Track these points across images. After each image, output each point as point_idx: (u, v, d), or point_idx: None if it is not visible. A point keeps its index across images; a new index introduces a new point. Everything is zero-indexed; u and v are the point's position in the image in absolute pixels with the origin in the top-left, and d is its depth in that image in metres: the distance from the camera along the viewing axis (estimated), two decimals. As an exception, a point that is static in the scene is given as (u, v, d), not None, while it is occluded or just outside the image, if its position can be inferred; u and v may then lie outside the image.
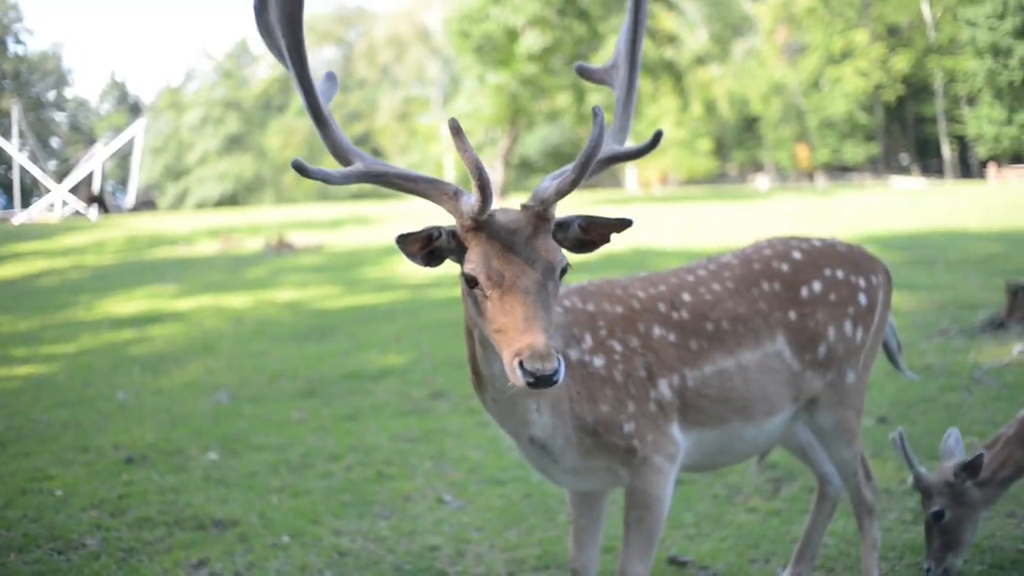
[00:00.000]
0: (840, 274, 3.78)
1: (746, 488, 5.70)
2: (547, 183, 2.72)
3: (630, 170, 73.64)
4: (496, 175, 50.36)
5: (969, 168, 65.68)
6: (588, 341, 3.28)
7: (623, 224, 2.75)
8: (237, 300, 15.57)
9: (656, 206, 38.72)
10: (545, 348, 2.47)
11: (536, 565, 4.68)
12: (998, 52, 55.44)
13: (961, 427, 6.48)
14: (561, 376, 2.48)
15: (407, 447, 6.81)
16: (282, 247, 25.56)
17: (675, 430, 3.39)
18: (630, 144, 3.03)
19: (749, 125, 73.03)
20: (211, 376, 9.52)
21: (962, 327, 10.08)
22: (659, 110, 58.57)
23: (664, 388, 3.35)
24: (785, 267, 3.73)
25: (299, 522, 5.29)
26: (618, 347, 3.32)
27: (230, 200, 76.78)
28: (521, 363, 2.46)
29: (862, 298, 3.80)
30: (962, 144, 65.89)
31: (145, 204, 59.82)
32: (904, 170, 68.40)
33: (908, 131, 69.69)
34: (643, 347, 3.36)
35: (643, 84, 48.95)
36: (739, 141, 73.92)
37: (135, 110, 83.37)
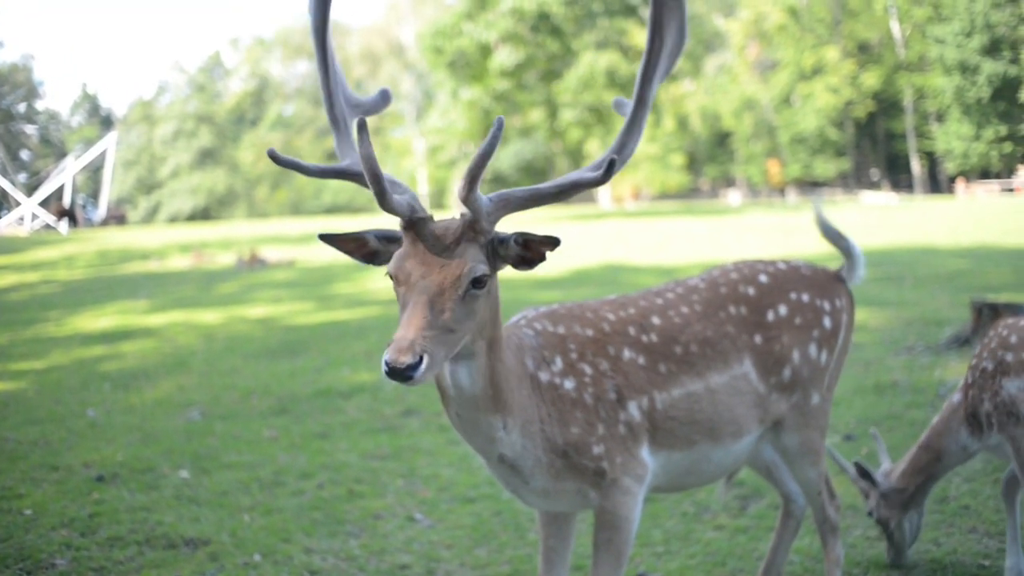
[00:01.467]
0: (805, 297, 3.85)
1: (714, 506, 5.76)
2: (481, 197, 2.82)
3: (603, 186, 73.88)
4: (469, 190, 50.37)
5: (938, 183, 66.38)
6: (558, 363, 3.31)
7: (553, 242, 2.81)
8: (209, 316, 15.52)
9: (629, 221, 38.89)
10: (408, 343, 2.53)
11: (506, 583, 4.73)
12: (966, 69, 56.24)
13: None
14: (418, 374, 2.53)
15: (378, 465, 6.83)
16: (254, 262, 25.51)
17: (644, 452, 3.43)
18: (588, 173, 3.06)
19: (721, 140, 73.53)
20: (183, 393, 9.50)
21: (928, 344, 10.21)
22: (631, 126, 58.76)
23: (634, 410, 3.39)
24: (751, 291, 3.79)
25: (270, 540, 5.30)
26: (588, 370, 3.35)
27: (202, 214, 76.56)
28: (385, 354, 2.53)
29: (827, 321, 3.87)
30: (931, 160, 66.68)
31: (115, 218, 59.36)
32: (874, 185, 69.04)
33: (878, 147, 70.37)
34: (613, 370, 3.39)
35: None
36: (711, 156, 74.40)
37: (107, 123, 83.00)
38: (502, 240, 2.85)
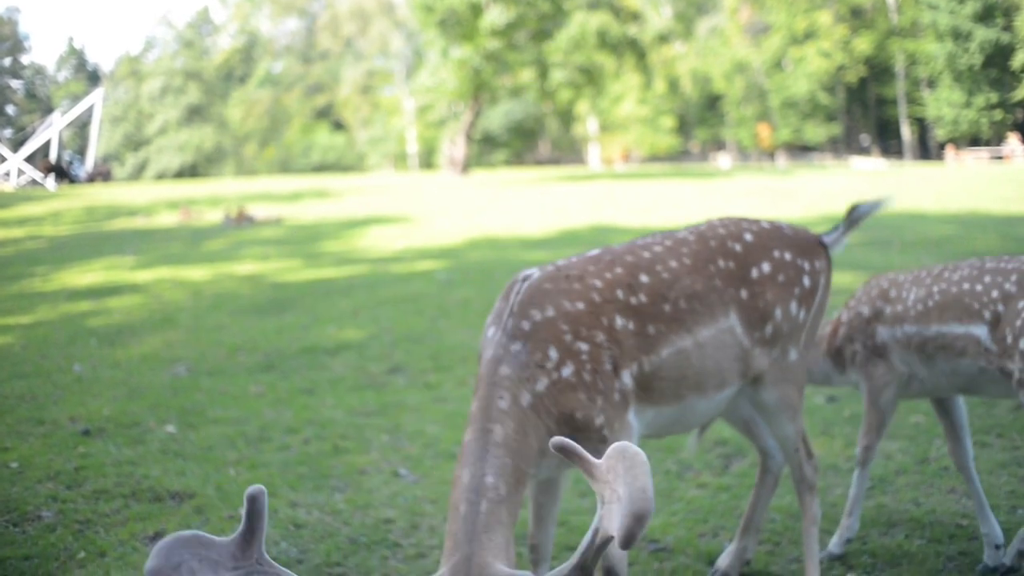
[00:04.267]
0: (788, 256, 3.90)
1: (696, 464, 5.81)
2: None
3: (593, 146, 73.75)
4: (458, 150, 50.24)
5: (928, 150, 66.33)
6: (553, 355, 3.29)
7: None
8: (196, 273, 15.50)
9: (618, 183, 38.85)
10: None
11: (489, 538, 4.76)
12: (958, 36, 56.00)
13: (908, 406, 6.67)
14: None
15: (363, 421, 6.87)
16: (242, 219, 25.44)
17: (632, 415, 3.46)
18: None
19: (712, 103, 73.33)
20: (169, 349, 9.51)
21: (913, 308, 10.24)
22: (622, 87, 58.68)
23: (626, 378, 3.42)
24: (738, 247, 3.82)
25: (256, 494, 5.32)
26: (585, 347, 3.35)
27: (190, 171, 76.13)
28: None
29: (806, 280, 3.92)
30: (921, 126, 66.55)
31: (101, 174, 58.87)
32: (864, 151, 68.98)
33: (869, 112, 70.24)
34: (609, 341, 3.40)
35: (606, 61, 48.99)
36: (701, 119, 74.23)
37: (94, 78, 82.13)
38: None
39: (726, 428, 5.96)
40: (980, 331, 4.01)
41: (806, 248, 3.98)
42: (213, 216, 27.71)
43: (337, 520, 5.00)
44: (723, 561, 4.28)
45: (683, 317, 3.57)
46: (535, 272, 3.51)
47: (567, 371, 3.29)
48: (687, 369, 3.57)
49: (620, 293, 3.49)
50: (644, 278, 3.56)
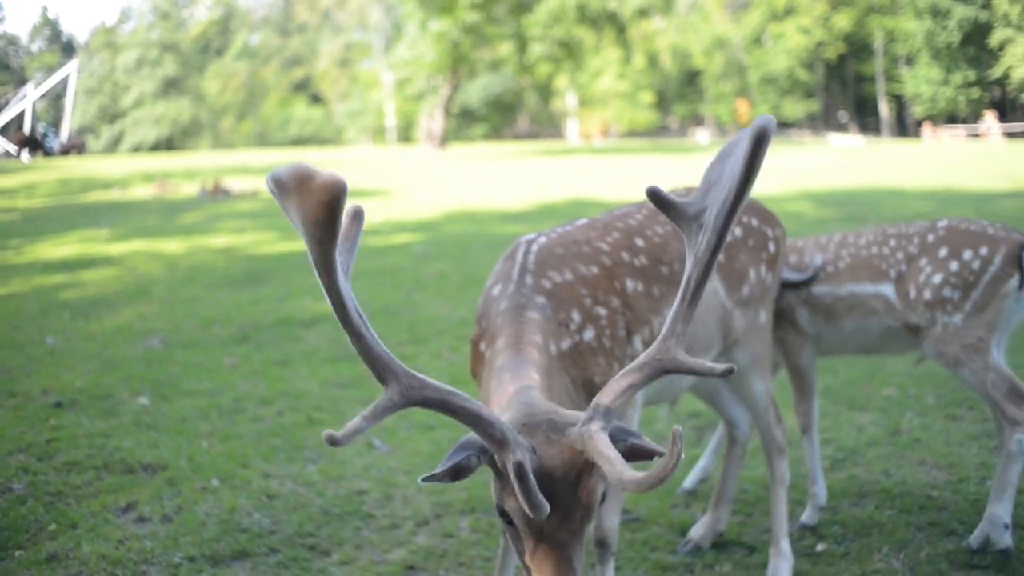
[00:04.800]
0: (755, 222, 4.00)
1: (670, 436, 5.81)
2: (598, 425, 2.34)
3: (572, 121, 73.63)
4: (436, 123, 50.08)
5: (906, 127, 66.59)
6: (576, 318, 3.23)
7: (671, 457, 2.22)
8: (171, 245, 15.40)
9: (596, 157, 38.83)
10: None
11: (463, 508, 4.77)
12: (937, 13, 56.16)
13: (881, 379, 6.71)
14: None
15: (338, 392, 6.85)
16: (218, 192, 25.29)
17: None
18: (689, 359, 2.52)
19: (691, 79, 73.31)
20: (143, 321, 9.45)
21: (888, 282, 10.30)
22: (602, 62, 58.54)
23: (638, 344, 3.40)
24: None
25: (229, 466, 5.31)
26: (603, 312, 3.32)
27: (166, 144, 75.60)
28: None
29: (771, 246, 4.04)
30: (899, 103, 66.80)
31: (75, 147, 58.19)
32: (842, 127, 69.18)
33: (847, 89, 70.41)
34: (624, 306, 3.39)
35: (586, 35, 48.83)
36: (680, 94, 74.22)
37: (68, 49, 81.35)
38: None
39: (699, 401, 5.97)
40: (887, 290, 4.32)
41: (766, 216, 4.09)
42: (189, 189, 27.53)
43: (310, 491, 4.99)
44: (696, 532, 4.30)
45: (678, 280, 3.56)
46: (539, 237, 3.46)
47: (588, 335, 3.25)
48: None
49: (625, 256, 3.48)
50: (640, 241, 3.56)
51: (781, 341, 4.54)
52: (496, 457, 2.32)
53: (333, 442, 2.21)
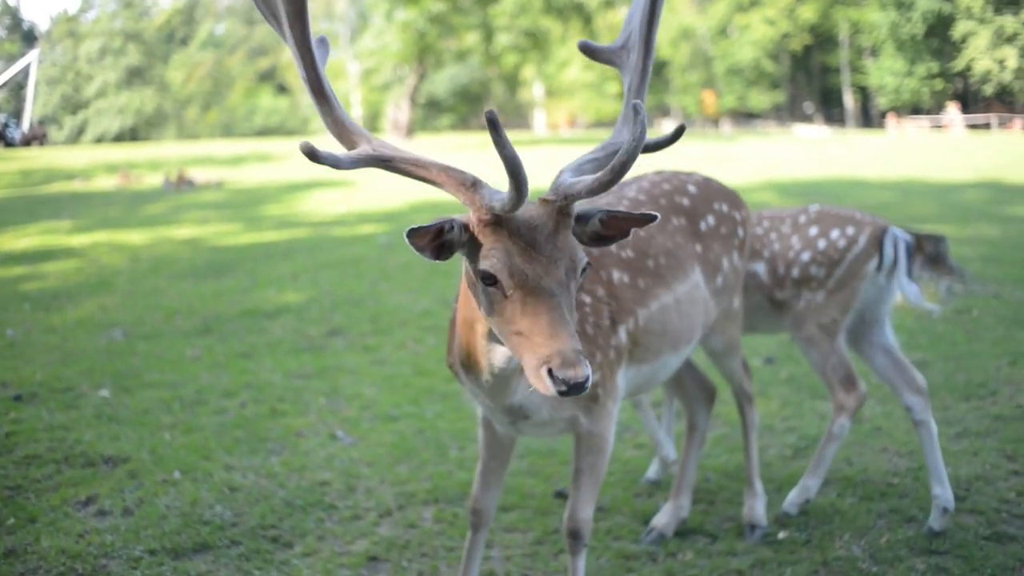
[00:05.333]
0: (725, 208, 4.03)
1: (634, 425, 5.84)
2: (569, 177, 2.57)
3: (539, 111, 73.60)
4: (403, 114, 49.92)
5: (870, 118, 67.10)
6: None
7: (646, 219, 2.55)
8: (134, 237, 15.26)
9: (563, 147, 38.80)
10: (574, 355, 2.30)
11: (426, 499, 4.75)
12: (901, 5, 56.62)
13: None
14: (591, 380, 2.31)
15: (301, 384, 6.81)
16: (182, 183, 25.08)
17: (621, 375, 3.44)
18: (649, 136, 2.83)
19: (657, 69, 73.28)
20: (105, 313, 9.35)
21: (851, 272, 10.37)
22: (568, 52, 58.48)
23: (622, 334, 3.41)
24: (686, 201, 3.90)
25: (191, 458, 5.27)
26: (588, 299, 3.32)
27: (130, 135, 74.78)
28: (550, 371, 2.29)
29: (740, 231, 4.07)
30: (864, 94, 67.31)
31: (36, 137, 57.18)
32: (808, 118, 69.59)
33: (813, 80, 70.82)
34: (608, 295, 3.38)
35: (552, 25, 48.79)
36: (647, 85, 74.25)
37: (29, 38, 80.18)
38: (581, 217, 2.60)
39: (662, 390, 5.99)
40: (760, 267, 4.53)
41: (733, 200, 4.11)
42: (153, 180, 27.30)
43: (273, 483, 4.96)
44: (659, 520, 4.32)
45: (663, 273, 3.61)
46: None
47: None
48: (668, 325, 3.60)
49: (612, 247, 3.46)
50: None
51: None
52: (472, 212, 2.48)
53: (311, 154, 2.35)
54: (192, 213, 18.97)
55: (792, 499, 4.47)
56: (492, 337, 2.67)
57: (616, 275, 3.44)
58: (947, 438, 5.35)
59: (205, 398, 6.47)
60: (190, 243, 14.47)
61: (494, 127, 2.22)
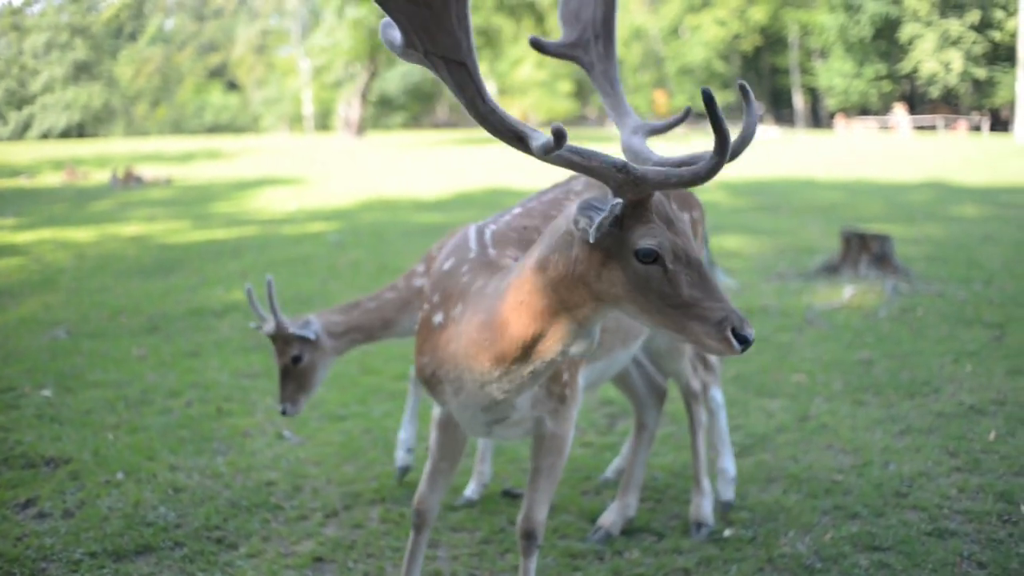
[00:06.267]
0: (674, 207, 3.95)
1: (582, 423, 5.84)
2: (659, 166, 2.67)
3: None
4: (354, 112, 49.70)
5: (819, 119, 67.83)
6: None
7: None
8: (80, 234, 15.04)
9: (516, 148, 38.82)
10: (742, 313, 2.47)
11: (372, 499, 4.72)
12: (850, 8, 57.33)
13: (790, 366, 6.81)
14: None
15: (248, 383, 6.75)
16: (130, 180, 24.77)
17: (582, 375, 3.44)
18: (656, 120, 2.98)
19: (609, 70, 73.66)
20: (49, 312, 9.21)
21: (799, 271, 10.48)
22: (520, 50, 58.52)
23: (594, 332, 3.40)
24: None
25: (134, 458, 5.19)
26: None
27: (77, 130, 73.73)
28: (733, 330, 2.41)
29: (698, 228, 4.08)
30: (813, 95, 68.06)
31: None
32: (758, 119, 70.10)
33: (763, 81, 71.40)
34: None
35: (504, 24, 48.79)
36: (599, 85, 74.58)
37: (-28, 32, 78.85)
38: None
39: (611, 388, 6.00)
40: None
41: (688, 200, 4.08)
42: (100, 176, 26.95)
43: (218, 483, 4.90)
44: (606, 518, 4.32)
45: None
46: (487, 224, 3.38)
47: None
48: (622, 320, 3.58)
49: None
50: None
51: None
52: (615, 194, 2.50)
53: (559, 135, 2.48)
54: (140, 210, 18.74)
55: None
56: (575, 321, 2.68)
57: None
58: (891, 435, 5.41)
59: (150, 398, 6.39)
60: (137, 241, 14.29)
61: (710, 104, 2.40)
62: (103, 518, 4.42)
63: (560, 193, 3.76)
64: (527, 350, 2.78)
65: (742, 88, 2.48)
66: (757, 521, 4.39)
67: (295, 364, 4.56)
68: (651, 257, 2.47)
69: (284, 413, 4.58)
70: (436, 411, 3.48)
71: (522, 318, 2.74)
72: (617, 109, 3.04)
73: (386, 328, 4.80)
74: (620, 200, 2.45)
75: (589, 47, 3.17)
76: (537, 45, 3.18)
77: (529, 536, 3.40)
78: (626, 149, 2.77)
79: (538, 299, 2.69)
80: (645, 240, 2.47)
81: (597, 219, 2.43)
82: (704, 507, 4.34)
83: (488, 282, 2.95)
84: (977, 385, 6.33)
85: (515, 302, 2.75)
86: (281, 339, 4.57)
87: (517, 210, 3.60)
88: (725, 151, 2.39)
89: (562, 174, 6.69)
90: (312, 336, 4.58)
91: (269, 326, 4.59)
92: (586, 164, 2.52)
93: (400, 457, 4.97)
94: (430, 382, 3.16)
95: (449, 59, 2.61)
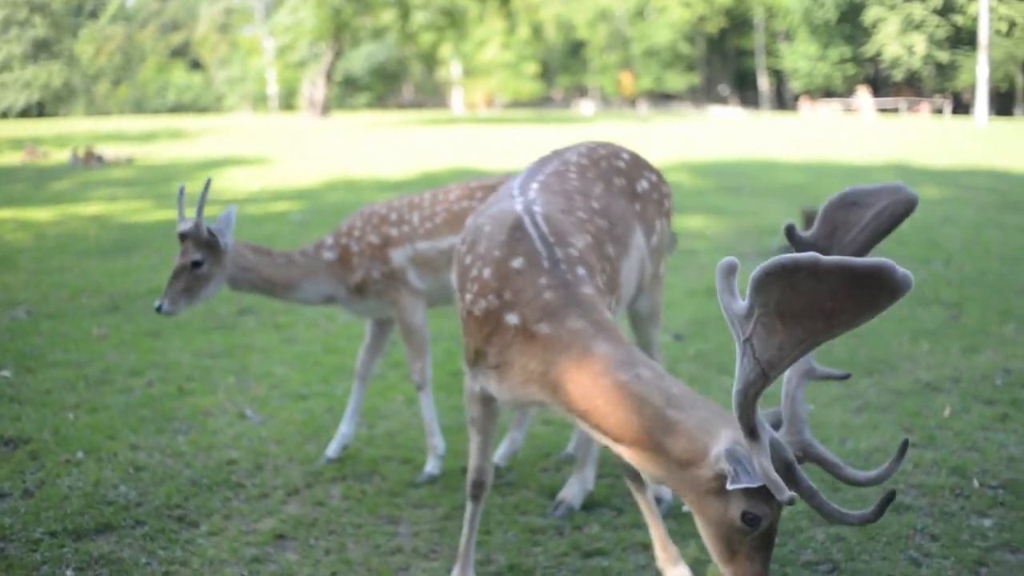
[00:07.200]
0: (653, 177, 4.12)
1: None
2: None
3: (456, 91, 73.37)
4: (318, 91, 49.40)
5: (784, 101, 68.18)
6: (600, 283, 3.35)
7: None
8: (40, 214, 14.86)
9: (480, 127, 38.79)
10: None
11: (334, 477, 4.74)
12: (814, -10, 57.52)
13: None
14: None
15: (210, 363, 6.72)
16: (91, 159, 24.49)
17: None
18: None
19: (575, 50, 73.66)
20: (8, 292, 9.12)
21: (760, 251, 10.57)
22: (486, 31, 58.37)
23: (612, 304, 3.50)
24: (622, 164, 3.98)
25: (95, 438, 5.17)
26: (602, 280, 3.39)
27: (37, 110, 72.75)
28: None
29: (666, 202, 4.16)
30: (778, 78, 68.39)
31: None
32: (723, 100, 70.44)
33: (728, 63, 71.70)
34: (612, 269, 3.50)
35: (469, 4, 48.61)
36: (565, 66, 74.55)
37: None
38: None
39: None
40: None
41: (660, 175, 4.21)
42: (60, 156, 26.63)
43: (179, 462, 4.90)
44: (566, 492, 4.36)
45: (623, 237, 3.69)
46: (532, 208, 3.38)
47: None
48: (622, 288, 3.68)
49: (600, 221, 3.54)
50: (594, 203, 3.61)
51: (395, 301, 4.79)
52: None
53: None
54: (101, 190, 18.54)
55: (502, 452, 4.88)
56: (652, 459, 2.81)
57: (610, 249, 3.54)
58: (848, 412, 5.48)
59: (111, 377, 6.36)
60: (98, 220, 14.16)
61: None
62: (63, 497, 4.40)
63: (559, 164, 3.82)
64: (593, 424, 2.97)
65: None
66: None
67: (193, 268, 4.47)
68: (753, 524, 2.57)
69: (159, 309, 4.44)
70: (474, 387, 3.44)
71: (610, 422, 2.87)
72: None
73: (288, 289, 4.79)
74: (786, 499, 2.44)
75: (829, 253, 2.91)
76: (790, 235, 2.95)
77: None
78: (786, 397, 2.78)
79: (636, 434, 2.81)
80: (759, 509, 2.56)
81: (740, 483, 2.47)
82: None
83: (587, 330, 3.03)
84: (933, 363, 6.43)
85: (617, 415, 2.85)
86: (192, 240, 4.50)
87: (534, 185, 3.60)
88: (879, 512, 2.49)
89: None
90: (223, 244, 4.54)
91: (187, 225, 4.53)
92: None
93: (333, 449, 4.97)
94: (479, 365, 3.29)
95: None
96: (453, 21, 49.85)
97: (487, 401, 3.47)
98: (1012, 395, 5.74)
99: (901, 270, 2.15)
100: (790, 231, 2.71)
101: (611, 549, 3.98)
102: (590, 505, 4.38)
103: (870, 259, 2.19)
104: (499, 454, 4.91)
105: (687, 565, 3.65)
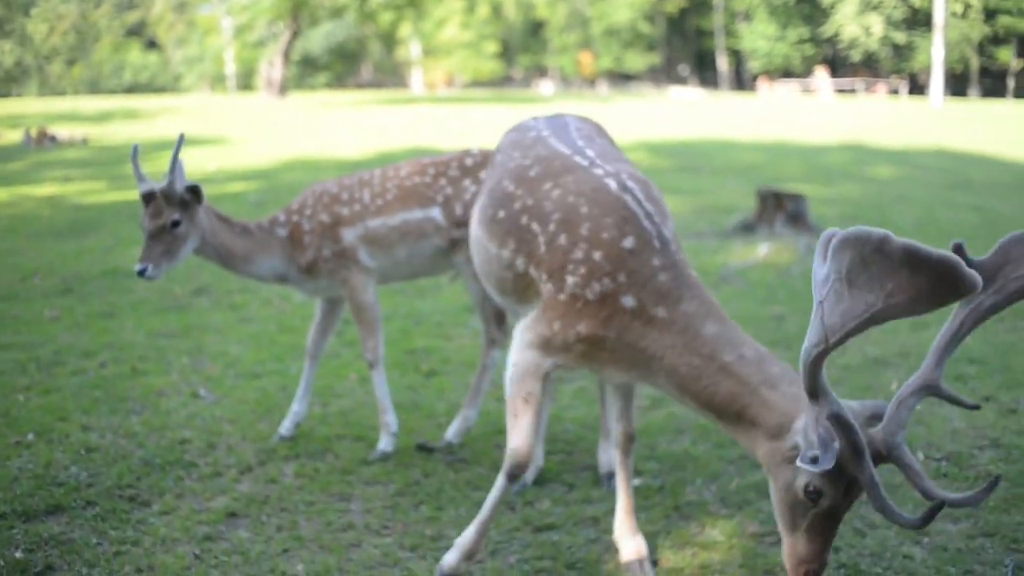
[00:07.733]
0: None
1: (498, 379, 5.89)
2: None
3: (416, 70, 73.05)
4: (276, 71, 49.00)
5: (743, 81, 68.46)
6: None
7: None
8: (-9, 195, 14.68)
9: (439, 107, 38.64)
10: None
11: (287, 455, 4.74)
12: (773, -30, 57.75)
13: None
14: None
15: (164, 343, 6.69)
16: (44, 140, 24.14)
17: None
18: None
19: (535, 30, 73.42)
20: (-42, 273, 9.01)
21: (717, 230, 10.65)
22: (445, 11, 58.08)
23: None
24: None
25: (46, 419, 5.14)
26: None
27: (-11, 90, 71.61)
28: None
29: None
30: (737, 58, 68.62)
31: None
32: (683, 80, 70.58)
33: (688, 43, 71.84)
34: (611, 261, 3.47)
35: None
36: (524, 45, 74.31)
37: None
38: None
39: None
40: (435, 213, 4.74)
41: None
42: (12, 136, 26.23)
43: (131, 442, 4.88)
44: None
45: None
46: (620, 176, 3.44)
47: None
48: None
49: (610, 221, 3.49)
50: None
51: (346, 280, 4.79)
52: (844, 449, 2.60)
53: None
54: (54, 171, 18.29)
55: (455, 429, 4.92)
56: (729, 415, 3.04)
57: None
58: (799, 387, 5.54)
59: (63, 359, 6.31)
60: (51, 201, 13.98)
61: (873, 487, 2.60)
62: (12, 479, 4.38)
63: (588, 130, 3.95)
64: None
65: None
66: (665, 471, 4.50)
67: (172, 228, 4.40)
68: (813, 497, 2.71)
69: (143, 273, 4.35)
70: (543, 364, 3.44)
71: (711, 398, 3.06)
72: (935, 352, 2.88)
73: (245, 262, 4.75)
74: (821, 465, 2.55)
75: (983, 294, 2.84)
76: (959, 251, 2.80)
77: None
78: (897, 398, 2.78)
79: (732, 409, 3.01)
80: (822, 485, 2.70)
81: (807, 459, 2.58)
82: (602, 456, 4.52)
83: (698, 312, 3.15)
84: (882, 339, 6.53)
85: (721, 395, 3.02)
86: (165, 199, 4.43)
87: (590, 152, 3.61)
88: (927, 521, 2.57)
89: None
90: (200, 203, 4.53)
91: (153, 184, 4.47)
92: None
93: (286, 427, 4.97)
94: (575, 347, 3.33)
95: None
96: (412, 0, 49.58)
97: (547, 378, 3.53)
98: (957, 370, 5.85)
99: (969, 271, 2.23)
100: (959, 249, 2.75)
101: (562, 523, 4.02)
102: (542, 480, 4.42)
103: (942, 251, 2.28)
104: (452, 431, 4.94)
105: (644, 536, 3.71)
